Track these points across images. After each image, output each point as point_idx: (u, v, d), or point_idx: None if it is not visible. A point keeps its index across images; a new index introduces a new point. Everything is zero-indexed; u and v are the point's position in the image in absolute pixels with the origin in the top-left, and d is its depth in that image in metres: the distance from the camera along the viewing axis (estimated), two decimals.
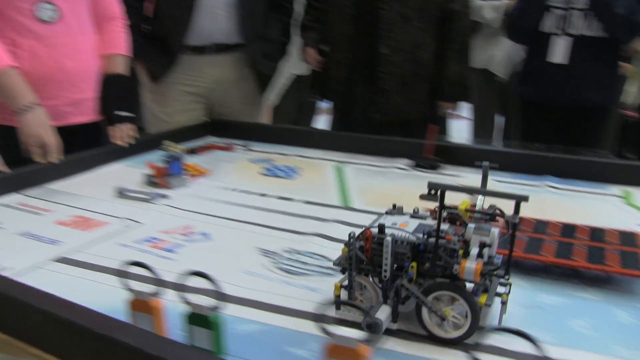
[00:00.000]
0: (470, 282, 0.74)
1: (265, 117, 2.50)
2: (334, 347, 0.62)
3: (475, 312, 0.74)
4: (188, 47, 1.98)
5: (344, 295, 0.79)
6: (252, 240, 1.10)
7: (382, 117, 2.01)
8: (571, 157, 1.63)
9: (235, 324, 0.80)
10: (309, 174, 1.59)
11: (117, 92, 1.67)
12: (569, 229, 1.08)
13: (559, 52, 2.05)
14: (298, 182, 1.51)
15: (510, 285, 0.81)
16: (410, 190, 1.43)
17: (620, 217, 1.27)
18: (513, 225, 0.76)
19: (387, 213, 0.87)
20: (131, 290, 0.74)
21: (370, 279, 0.79)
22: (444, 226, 0.79)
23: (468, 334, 0.74)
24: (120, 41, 1.72)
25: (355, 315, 0.78)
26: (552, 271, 0.97)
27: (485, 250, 0.75)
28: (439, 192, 0.76)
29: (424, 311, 0.76)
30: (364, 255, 0.78)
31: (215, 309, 0.70)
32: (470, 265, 0.72)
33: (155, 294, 0.73)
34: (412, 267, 0.76)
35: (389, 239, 0.75)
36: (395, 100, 2.00)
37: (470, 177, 1.50)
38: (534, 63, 2.16)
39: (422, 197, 0.78)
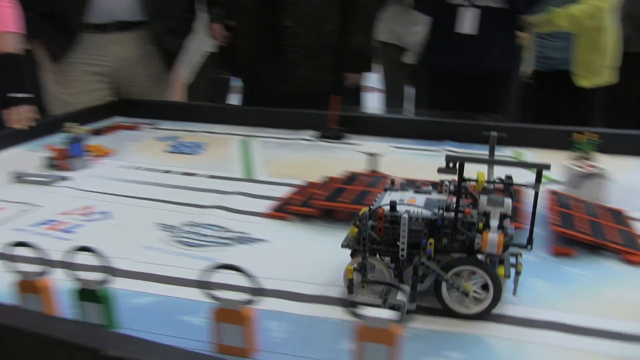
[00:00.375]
0: (493, 254, 0.72)
1: (177, 95, 2.47)
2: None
3: (498, 284, 0.73)
4: (89, 25, 1.92)
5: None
6: (153, 216, 1.11)
7: (289, 90, 2.02)
8: (468, 122, 1.70)
9: (129, 297, 0.81)
10: (215, 149, 1.59)
11: (10, 73, 1.61)
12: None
13: (467, 23, 2.11)
14: (203, 158, 1.52)
15: (521, 255, 0.80)
16: (314, 161, 1.47)
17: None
18: (536, 194, 0.74)
19: (386, 189, 0.85)
20: (18, 271, 0.73)
21: (380, 259, 0.77)
22: (441, 197, 0.80)
23: (491, 307, 0.74)
24: (8, 18, 1.64)
25: (370, 298, 0.74)
26: None
27: (506, 222, 0.74)
28: (457, 165, 0.73)
29: (444, 288, 0.74)
30: (376, 235, 0.76)
31: (103, 283, 0.71)
32: (493, 238, 0.71)
33: (42, 274, 0.73)
34: (430, 243, 0.73)
35: (405, 216, 0.72)
36: (301, 72, 2.02)
37: (371, 146, 1.54)
38: (442, 34, 2.22)
39: (440, 170, 0.75)
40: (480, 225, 0.72)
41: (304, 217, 1.09)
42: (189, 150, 1.57)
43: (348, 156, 1.47)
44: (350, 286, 0.74)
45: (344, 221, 1.06)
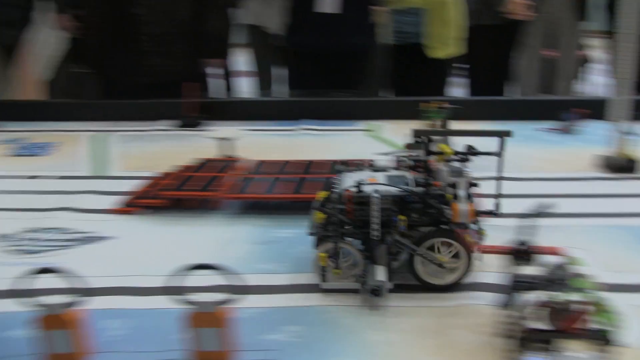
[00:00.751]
0: (464, 224, 0.74)
1: (28, 93, 2.32)
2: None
3: (470, 252, 0.74)
4: None
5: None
6: None
7: (145, 80, 1.96)
8: (325, 99, 1.73)
9: None
10: (66, 148, 1.51)
11: None
12: (306, 166, 1.15)
13: (327, 2, 2.13)
14: (53, 158, 1.44)
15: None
16: (171, 151, 1.44)
17: (363, 148, 1.38)
18: (500, 160, 0.78)
19: (338, 171, 0.83)
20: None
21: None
22: (408, 174, 0.80)
23: (465, 275, 0.75)
24: None
25: (345, 284, 0.75)
26: (295, 206, 1.03)
27: (472, 190, 0.75)
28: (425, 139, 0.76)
29: (417, 263, 0.74)
30: (346, 218, 0.74)
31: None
32: (463, 208, 0.72)
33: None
34: (401, 220, 0.73)
35: (375, 195, 0.72)
36: (156, 61, 1.95)
37: (226, 131, 1.52)
38: (304, 14, 2.22)
39: (408, 146, 0.77)
40: (449, 196, 0.74)
41: (156, 210, 1.06)
42: (37, 152, 1.48)
43: (206, 143, 1.45)
44: (323, 274, 0.74)
45: (195, 209, 1.05)
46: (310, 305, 0.73)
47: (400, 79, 2.26)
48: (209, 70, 2.17)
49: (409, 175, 0.80)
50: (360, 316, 0.71)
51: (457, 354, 0.63)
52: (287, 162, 1.18)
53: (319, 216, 0.76)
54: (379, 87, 2.33)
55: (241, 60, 2.97)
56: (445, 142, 0.82)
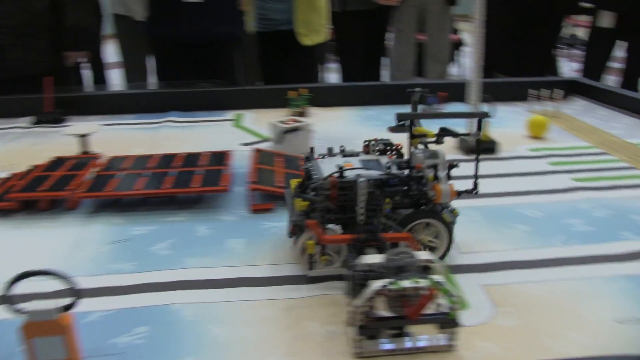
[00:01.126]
0: (445, 203, 0.78)
1: None
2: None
3: (451, 232, 0.77)
4: None
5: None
6: None
7: (4, 75, 1.84)
8: (193, 90, 1.71)
9: None
10: None
11: None
12: (167, 160, 1.13)
13: None
14: None
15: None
16: (27, 149, 1.36)
17: (228, 139, 1.38)
18: (477, 141, 0.81)
19: (307, 159, 0.82)
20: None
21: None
22: (381, 158, 0.82)
23: (446, 253, 0.78)
24: None
25: (332, 270, 0.76)
26: (150, 202, 1.02)
27: (452, 171, 0.78)
28: (408, 122, 0.77)
29: (402, 244, 0.73)
30: (331, 204, 0.73)
31: None
32: (445, 188, 0.75)
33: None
34: (387, 203, 0.74)
35: (362, 180, 0.71)
36: (11, 55, 1.84)
37: (83, 126, 1.46)
38: (167, 3, 2.16)
39: (392, 129, 0.79)
40: (431, 177, 0.76)
41: (4, 213, 1.00)
42: None
43: (63, 140, 1.38)
44: (310, 261, 0.75)
45: (48, 210, 1.00)
46: (160, 305, 0.72)
47: (269, 68, 2.26)
48: (74, 63, 2.08)
49: (383, 159, 0.82)
50: (208, 312, 0.70)
51: (308, 346, 0.64)
52: (149, 157, 1.15)
53: (300, 204, 0.75)
54: (248, 76, 2.33)
55: (111, 51, 2.87)
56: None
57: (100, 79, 3.11)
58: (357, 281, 0.61)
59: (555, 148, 1.31)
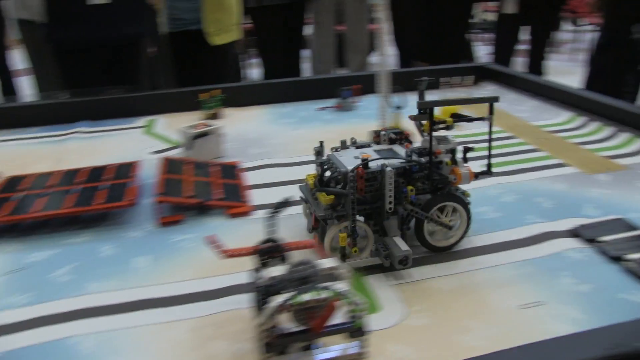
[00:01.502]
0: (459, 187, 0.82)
1: None
2: None
3: (469, 213, 0.81)
4: None
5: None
6: None
7: None
8: (102, 98, 1.64)
9: None
10: None
11: None
12: (69, 176, 1.08)
13: None
14: None
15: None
16: None
17: (138, 148, 1.33)
18: (490, 124, 0.83)
19: (318, 153, 0.83)
20: None
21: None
22: (395, 147, 0.84)
23: (465, 234, 0.83)
24: None
25: (365, 261, 0.78)
26: (51, 224, 0.96)
27: (468, 155, 0.82)
28: (428, 110, 0.79)
29: (426, 229, 0.79)
30: (359, 196, 0.75)
31: None
32: (465, 171, 0.79)
33: None
34: (411, 190, 0.76)
35: (389, 169, 0.73)
36: None
37: None
38: (69, 6, 2.06)
39: (412, 117, 0.83)
40: (449, 162, 0.79)
41: None
42: None
43: None
44: (344, 254, 0.76)
45: None
46: (55, 340, 0.67)
47: (181, 69, 2.20)
48: None
49: (396, 147, 0.84)
50: (109, 343, 0.66)
51: None
52: (50, 174, 1.09)
53: (326, 198, 0.76)
54: (161, 79, 2.26)
55: (18, 58, 2.74)
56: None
57: (8, 88, 2.98)
58: (259, 297, 0.59)
59: (466, 135, 1.32)
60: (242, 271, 0.76)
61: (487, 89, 1.74)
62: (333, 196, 0.76)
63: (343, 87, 1.59)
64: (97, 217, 0.97)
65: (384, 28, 1.15)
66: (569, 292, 0.72)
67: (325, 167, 0.81)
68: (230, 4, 2.16)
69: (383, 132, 0.88)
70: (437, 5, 2.65)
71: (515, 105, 1.53)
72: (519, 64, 3.06)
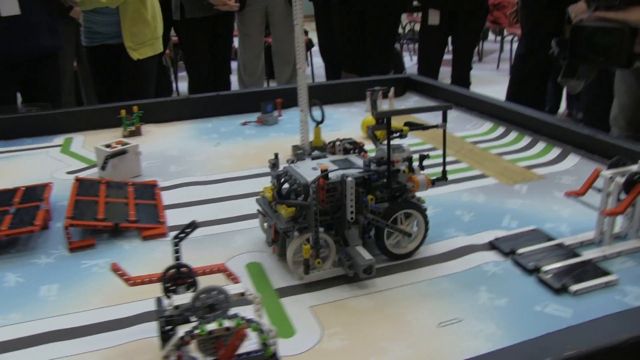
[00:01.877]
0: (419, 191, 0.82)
1: None
2: None
3: (427, 220, 0.83)
4: None
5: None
6: None
7: None
8: (16, 115, 1.56)
9: None
10: None
11: None
12: None
13: (9, 3, 1.88)
14: None
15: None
16: None
17: (53, 168, 1.27)
18: (444, 131, 0.85)
19: (274, 165, 0.82)
20: None
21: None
22: (351, 157, 0.86)
23: (422, 241, 0.84)
24: None
25: (328, 272, 0.78)
26: None
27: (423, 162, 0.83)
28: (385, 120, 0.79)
29: (385, 236, 0.80)
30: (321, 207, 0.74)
31: None
32: (422, 178, 0.81)
33: None
34: (371, 199, 0.77)
35: (350, 179, 0.73)
36: None
37: None
38: None
39: (373, 127, 0.84)
40: (406, 170, 0.80)
41: None
42: None
43: None
44: (307, 266, 0.75)
45: None
46: None
47: (101, 85, 2.13)
48: None
49: (352, 157, 0.85)
50: None
51: None
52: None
53: (287, 210, 0.75)
54: (79, 96, 2.19)
55: None
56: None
57: None
58: (163, 327, 0.56)
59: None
60: (151, 298, 0.72)
61: (411, 100, 1.76)
62: (294, 208, 0.76)
63: (264, 101, 1.57)
64: (3, 244, 0.92)
65: (302, 40, 1.15)
66: (486, 307, 0.73)
67: (283, 179, 0.81)
68: (149, 17, 2.10)
69: (337, 143, 0.89)
70: (366, 16, 2.67)
71: (439, 117, 1.55)
72: (445, 75, 3.13)
